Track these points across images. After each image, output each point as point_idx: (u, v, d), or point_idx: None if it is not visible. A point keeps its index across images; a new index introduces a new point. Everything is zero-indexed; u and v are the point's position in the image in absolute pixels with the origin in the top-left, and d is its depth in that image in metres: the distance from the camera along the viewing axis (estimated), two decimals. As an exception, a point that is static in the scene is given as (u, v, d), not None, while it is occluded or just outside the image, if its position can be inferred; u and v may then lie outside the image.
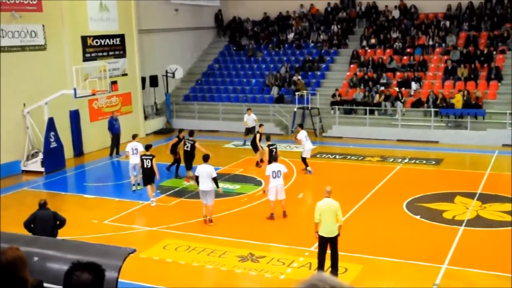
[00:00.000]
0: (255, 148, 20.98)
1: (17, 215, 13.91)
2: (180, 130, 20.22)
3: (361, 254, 12.60)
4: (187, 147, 18.71)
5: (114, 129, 23.17)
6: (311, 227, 14.11)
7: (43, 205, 11.68)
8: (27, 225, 11.40)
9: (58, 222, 11.68)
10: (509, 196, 16.22)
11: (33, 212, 11.65)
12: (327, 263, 11.43)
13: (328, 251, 11.37)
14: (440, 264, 12.02)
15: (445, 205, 15.92)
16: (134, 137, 18.63)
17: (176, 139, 19.75)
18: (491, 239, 13.60)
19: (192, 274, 12.02)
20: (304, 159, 19.77)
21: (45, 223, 11.42)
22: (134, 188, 18.15)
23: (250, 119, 23.89)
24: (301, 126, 20.76)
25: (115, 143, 23.16)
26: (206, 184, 14.51)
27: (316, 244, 13.13)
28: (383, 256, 12.60)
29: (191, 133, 19.31)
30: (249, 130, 23.74)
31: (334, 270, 11.29)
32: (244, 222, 15.35)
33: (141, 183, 17.58)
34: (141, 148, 17.73)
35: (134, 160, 17.82)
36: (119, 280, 5.39)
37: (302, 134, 19.76)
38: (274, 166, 15.14)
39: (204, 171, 14.52)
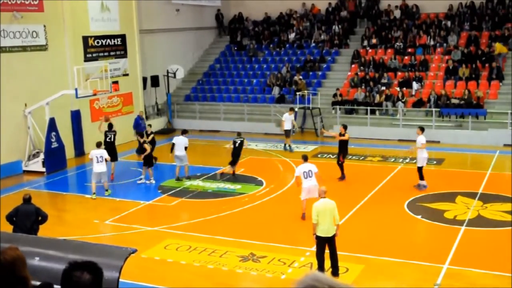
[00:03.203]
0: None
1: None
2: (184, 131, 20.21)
3: (362, 254, 12.59)
4: (237, 143, 19.44)
5: (140, 128, 23.10)
6: (311, 227, 14.12)
7: (27, 200, 11.89)
8: (9, 218, 11.70)
9: (40, 218, 11.78)
10: (510, 196, 16.21)
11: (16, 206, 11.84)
12: (327, 263, 11.42)
13: (327, 251, 11.35)
14: (441, 264, 12.01)
15: (446, 205, 15.91)
16: (99, 145, 17.81)
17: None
18: (492, 239, 13.60)
19: (193, 274, 12.03)
20: (420, 169, 17.35)
21: (26, 217, 11.61)
22: (93, 196, 17.46)
23: (289, 120, 22.98)
24: (421, 129, 17.65)
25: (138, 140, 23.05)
26: (180, 152, 18.75)
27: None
28: (384, 256, 12.59)
29: (239, 133, 20.46)
30: (286, 133, 23.02)
31: (335, 270, 11.29)
32: (245, 222, 15.36)
33: (96, 193, 17.48)
34: (106, 155, 17.31)
35: (100, 168, 17.26)
36: (120, 280, 5.39)
37: (422, 139, 17.16)
38: (305, 166, 14.97)
39: (181, 141, 18.84)
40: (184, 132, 19.53)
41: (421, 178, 17.23)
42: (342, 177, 18.60)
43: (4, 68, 20.28)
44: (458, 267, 11.94)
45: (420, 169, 17.19)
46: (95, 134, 24.13)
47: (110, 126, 20.48)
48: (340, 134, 18.74)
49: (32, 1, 21.46)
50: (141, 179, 19.24)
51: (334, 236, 11.25)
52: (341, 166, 18.65)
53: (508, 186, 16.96)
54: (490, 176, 18.88)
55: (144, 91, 28.08)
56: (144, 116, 23.98)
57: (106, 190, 17.71)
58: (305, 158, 15.46)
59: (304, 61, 30.30)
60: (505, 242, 13.10)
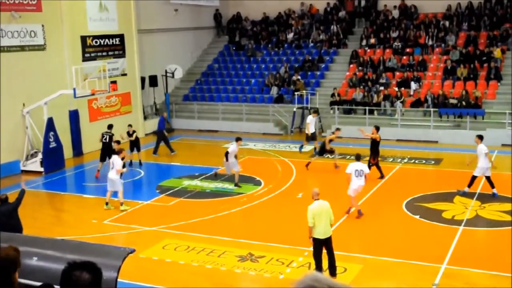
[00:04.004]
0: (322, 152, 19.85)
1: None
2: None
3: (361, 254, 12.60)
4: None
5: (160, 126, 23.13)
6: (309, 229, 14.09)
7: (4, 200, 12.06)
8: None
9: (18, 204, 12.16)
10: (508, 196, 16.23)
11: None
12: (324, 263, 11.41)
13: (324, 251, 11.34)
14: (439, 264, 12.02)
15: (445, 204, 15.93)
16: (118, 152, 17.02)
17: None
18: (490, 239, 13.62)
19: (192, 274, 12.03)
20: (488, 178, 16.54)
21: (6, 217, 11.77)
22: (105, 206, 16.52)
23: (313, 122, 22.24)
24: (480, 137, 16.84)
25: (163, 141, 23.09)
26: (231, 159, 17.98)
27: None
28: (382, 256, 12.60)
29: (338, 129, 20.62)
30: (312, 136, 22.19)
31: (333, 270, 11.28)
32: (244, 222, 15.36)
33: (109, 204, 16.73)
34: (117, 165, 16.22)
35: (110, 174, 16.39)
36: (119, 280, 5.40)
37: (484, 148, 16.43)
38: (357, 165, 14.90)
39: (233, 149, 18.03)
40: (238, 139, 18.45)
41: (492, 186, 16.42)
42: (381, 176, 18.66)
43: (2, 68, 20.26)
44: (456, 267, 11.95)
45: (474, 178, 16.50)
46: (93, 134, 24.18)
47: (110, 126, 20.56)
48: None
49: (30, 1, 21.44)
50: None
51: (330, 236, 11.24)
52: (377, 166, 18.73)
53: (507, 186, 16.98)
54: (488, 176, 18.88)
55: (142, 91, 28.06)
56: (166, 117, 24.02)
57: (121, 204, 16.34)
58: (358, 157, 15.32)
59: (302, 61, 30.31)
60: (503, 242, 13.12)
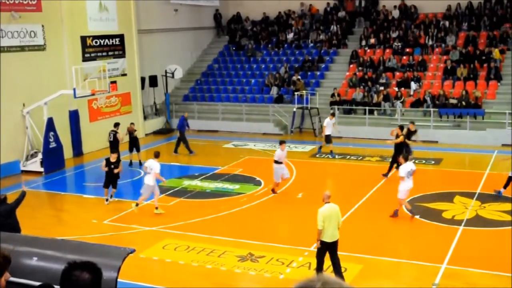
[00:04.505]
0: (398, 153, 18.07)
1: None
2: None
3: (361, 254, 12.60)
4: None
5: (183, 128, 23.10)
6: (310, 227, 14.05)
7: (2, 201, 12.07)
8: None
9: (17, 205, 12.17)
10: (508, 196, 16.22)
11: None
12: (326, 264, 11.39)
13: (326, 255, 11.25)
14: (440, 264, 12.03)
15: (445, 204, 15.93)
16: (156, 155, 16.19)
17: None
18: (490, 239, 13.61)
19: (192, 274, 12.03)
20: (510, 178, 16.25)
21: (3, 217, 11.78)
22: (133, 206, 16.27)
23: (330, 125, 21.90)
24: None
25: (182, 141, 23.09)
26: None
27: (315, 245, 13.16)
28: (382, 256, 12.60)
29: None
30: (329, 138, 21.89)
31: (339, 273, 11.11)
32: (244, 222, 15.36)
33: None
34: (155, 168, 15.71)
35: (146, 179, 15.96)
36: (119, 280, 5.40)
37: None
38: (408, 166, 14.70)
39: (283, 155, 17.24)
40: (282, 142, 17.60)
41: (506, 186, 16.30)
42: (387, 174, 18.73)
43: (2, 68, 20.25)
44: (456, 267, 11.96)
45: (510, 179, 16.15)
46: (93, 134, 24.20)
47: (116, 124, 20.82)
48: (397, 136, 18.75)
49: (30, 1, 21.44)
50: None
51: (337, 240, 11.10)
52: (391, 164, 18.78)
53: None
54: (488, 176, 18.91)
55: (142, 91, 28.06)
56: (187, 117, 23.96)
57: (156, 208, 15.93)
58: (406, 158, 15.10)
59: (302, 61, 30.31)
60: (503, 242, 13.12)
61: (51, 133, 21.09)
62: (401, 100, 25.95)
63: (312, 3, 33.22)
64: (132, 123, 22.16)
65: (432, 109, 24.78)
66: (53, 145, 21.14)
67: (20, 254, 5.82)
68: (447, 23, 29.34)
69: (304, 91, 27.20)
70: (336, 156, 21.91)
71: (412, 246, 13.28)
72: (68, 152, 22.68)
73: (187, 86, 31.75)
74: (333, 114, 22.86)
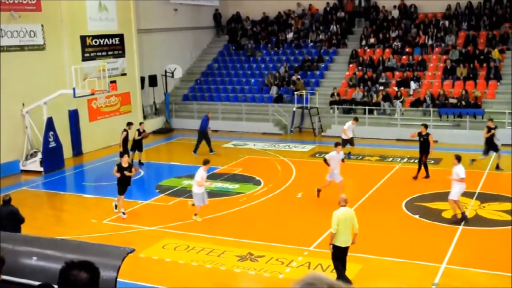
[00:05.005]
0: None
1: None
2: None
3: (360, 254, 12.57)
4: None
5: (203, 126, 23.04)
6: (309, 226, 14.09)
7: (6, 202, 12.06)
8: None
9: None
10: (508, 196, 16.24)
11: None
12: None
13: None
14: (439, 264, 12.03)
15: (444, 204, 15.91)
16: (205, 163, 15.42)
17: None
18: (489, 239, 13.61)
19: (191, 274, 12.03)
20: None
21: (2, 218, 11.79)
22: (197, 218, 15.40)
23: (351, 129, 21.38)
24: None
25: (205, 140, 23.03)
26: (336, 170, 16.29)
27: (315, 244, 13.17)
28: (382, 256, 12.60)
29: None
30: (347, 141, 21.33)
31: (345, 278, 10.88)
32: (243, 221, 15.35)
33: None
34: (197, 176, 15.18)
35: (193, 188, 15.28)
36: (118, 279, 5.40)
37: None
38: (463, 167, 14.51)
39: (338, 157, 16.40)
40: (337, 144, 16.69)
41: None
42: (427, 176, 18.56)
43: (2, 67, 20.25)
44: (455, 266, 11.96)
45: None
46: (93, 133, 24.21)
47: (129, 124, 20.99)
48: (420, 134, 18.48)
49: (30, 1, 21.43)
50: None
51: (349, 246, 10.93)
52: (425, 165, 18.58)
53: (506, 186, 16.99)
54: (487, 175, 18.92)
55: (142, 91, 28.06)
56: (210, 117, 23.72)
57: (195, 215, 15.26)
58: (459, 159, 14.87)
59: (302, 61, 30.31)
60: (502, 242, 13.12)
61: (51, 132, 21.09)
62: (401, 99, 25.95)
63: (312, 2, 33.21)
64: (141, 123, 22.20)
65: (431, 109, 24.79)
66: (52, 144, 21.14)
67: (20, 253, 5.82)
68: (446, 23, 29.34)
69: (303, 91, 27.20)
70: (351, 157, 21.56)
71: (412, 246, 13.28)
72: (67, 151, 22.67)
73: (186, 85, 31.74)
74: (356, 119, 21.95)
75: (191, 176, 19.63)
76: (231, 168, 20.69)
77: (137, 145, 21.39)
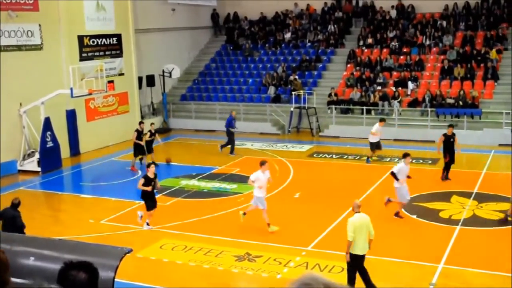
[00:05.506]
0: None
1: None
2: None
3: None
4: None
5: (231, 126, 22.85)
6: (307, 226, 14.09)
7: (13, 205, 12.11)
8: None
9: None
10: (505, 196, 16.25)
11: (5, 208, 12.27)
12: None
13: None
14: (437, 264, 12.04)
15: (442, 204, 15.95)
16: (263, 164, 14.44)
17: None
18: (487, 239, 13.63)
19: (189, 274, 12.02)
20: None
21: (5, 221, 11.97)
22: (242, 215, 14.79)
23: (379, 131, 20.74)
24: None
25: (230, 140, 22.95)
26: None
27: (313, 244, 13.17)
28: (379, 256, 12.59)
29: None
30: (377, 145, 20.91)
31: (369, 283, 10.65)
32: (241, 221, 15.32)
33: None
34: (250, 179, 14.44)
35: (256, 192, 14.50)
36: (116, 280, 5.39)
37: None
38: None
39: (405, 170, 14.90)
40: (406, 155, 15.16)
41: None
42: (447, 177, 18.34)
43: (-1, 67, 20.24)
44: (453, 266, 11.97)
45: None
46: (91, 133, 24.19)
47: (140, 123, 21.21)
48: (446, 135, 18.26)
49: (27, 0, 21.40)
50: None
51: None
52: (448, 166, 18.26)
53: (503, 186, 17.00)
54: (485, 175, 18.95)
55: (139, 91, 28.03)
56: (235, 116, 23.40)
57: (268, 226, 14.38)
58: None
59: (299, 61, 30.33)
60: (500, 242, 13.14)
61: (48, 132, 21.06)
62: (399, 99, 25.98)
63: (309, 2, 33.23)
64: (152, 123, 22.25)
65: (429, 109, 24.81)
66: (50, 144, 21.11)
67: (17, 254, 5.80)
68: (444, 23, 29.38)
69: (301, 91, 27.22)
70: (371, 160, 21.15)
71: (409, 245, 13.29)
72: (65, 151, 22.63)
73: (184, 85, 31.73)
74: (382, 120, 21.18)
75: (189, 176, 19.69)
76: (229, 168, 20.68)
77: (148, 147, 21.14)
